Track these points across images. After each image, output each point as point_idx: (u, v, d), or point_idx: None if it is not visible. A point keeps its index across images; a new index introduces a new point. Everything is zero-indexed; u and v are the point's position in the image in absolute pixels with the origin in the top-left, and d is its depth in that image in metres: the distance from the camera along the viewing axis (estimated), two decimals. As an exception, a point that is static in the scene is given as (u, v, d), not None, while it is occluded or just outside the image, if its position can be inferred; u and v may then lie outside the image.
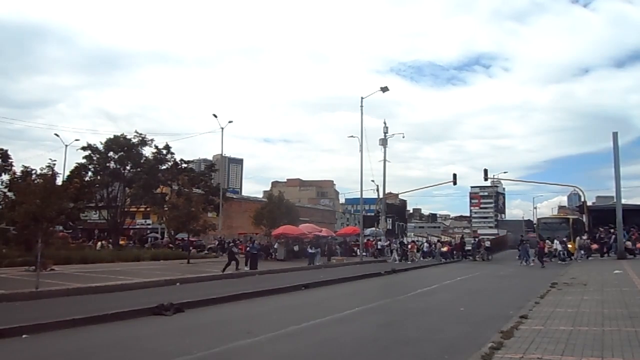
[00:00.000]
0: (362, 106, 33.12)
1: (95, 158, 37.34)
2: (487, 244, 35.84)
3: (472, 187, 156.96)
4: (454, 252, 35.90)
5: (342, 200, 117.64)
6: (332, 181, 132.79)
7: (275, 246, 31.53)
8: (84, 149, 37.47)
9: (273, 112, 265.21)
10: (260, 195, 75.92)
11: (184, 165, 40.82)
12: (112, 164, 37.96)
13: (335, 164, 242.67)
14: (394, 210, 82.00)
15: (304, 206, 71.07)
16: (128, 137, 38.25)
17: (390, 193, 56.81)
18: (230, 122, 41.78)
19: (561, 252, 28.00)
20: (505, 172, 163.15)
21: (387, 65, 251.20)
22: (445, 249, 36.16)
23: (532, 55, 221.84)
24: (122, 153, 37.70)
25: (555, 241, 28.50)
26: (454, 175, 45.48)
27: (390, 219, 72.21)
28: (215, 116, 40.25)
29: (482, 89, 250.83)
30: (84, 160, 36.60)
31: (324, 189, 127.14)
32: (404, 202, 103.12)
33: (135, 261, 24.67)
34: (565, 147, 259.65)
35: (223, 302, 12.04)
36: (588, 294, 12.07)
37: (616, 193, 29.89)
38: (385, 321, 9.75)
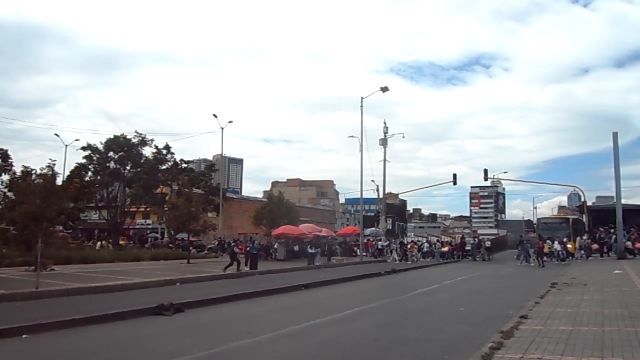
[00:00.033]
0: (362, 106, 33.17)
1: (95, 158, 37.37)
2: (488, 244, 35.86)
3: (472, 187, 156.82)
4: (455, 252, 35.94)
5: (342, 200, 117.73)
6: (332, 181, 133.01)
7: (275, 246, 31.54)
8: (84, 149, 37.55)
9: (273, 112, 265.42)
10: (260, 195, 76.01)
11: (184, 165, 40.85)
12: (112, 164, 37.99)
13: (335, 164, 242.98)
14: (394, 210, 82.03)
15: (304, 206, 71.09)
16: (128, 137, 38.34)
17: (390, 193, 56.84)
18: (230, 122, 41.88)
19: (560, 252, 28.02)
20: (505, 172, 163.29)
21: (387, 65, 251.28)
22: (446, 248, 36.23)
23: (532, 55, 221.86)
24: (122, 153, 37.73)
25: (555, 241, 28.52)
26: (454, 175, 45.54)
27: (390, 219, 72.24)
28: (215, 116, 40.34)
29: (482, 89, 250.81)
30: (84, 160, 36.67)
31: (324, 189, 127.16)
32: (404, 202, 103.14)
33: (135, 261, 24.68)
34: (565, 147, 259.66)
35: (223, 302, 12.05)
36: (588, 294, 12.07)
37: (616, 193, 29.91)
38: (385, 321, 9.75)
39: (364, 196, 35.60)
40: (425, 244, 38.66)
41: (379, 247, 36.40)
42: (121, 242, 38.31)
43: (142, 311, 10.03)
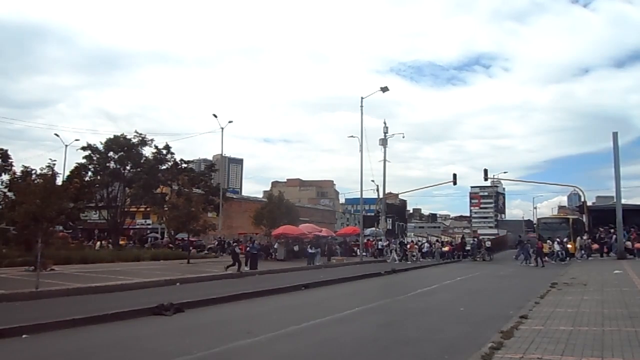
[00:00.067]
0: (362, 106, 33.15)
1: (95, 158, 37.37)
2: (488, 244, 35.86)
3: (472, 187, 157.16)
4: (455, 252, 35.94)
5: (342, 200, 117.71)
6: (332, 181, 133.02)
7: (275, 246, 31.53)
8: (84, 149, 37.54)
9: (273, 112, 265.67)
10: (260, 195, 76.01)
11: (184, 165, 40.83)
12: (112, 164, 37.98)
13: (335, 164, 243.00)
14: (394, 210, 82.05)
15: (304, 206, 71.07)
16: (128, 137, 38.32)
17: (390, 193, 56.82)
18: (230, 122, 41.84)
19: (559, 252, 28.00)
20: (505, 172, 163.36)
21: (387, 65, 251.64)
22: (446, 248, 36.25)
23: (532, 55, 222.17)
24: (122, 153, 37.71)
25: (555, 241, 28.50)
26: (454, 175, 45.53)
27: (390, 219, 72.25)
28: (215, 116, 40.32)
29: (482, 89, 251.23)
30: (84, 160, 36.63)
31: (324, 189, 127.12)
32: (404, 202, 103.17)
33: (135, 261, 24.67)
34: (565, 147, 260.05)
35: (223, 302, 12.04)
36: (588, 294, 12.07)
37: (616, 193, 29.91)
38: (385, 321, 9.75)
39: (364, 196, 35.61)
40: (426, 244, 38.66)
41: (379, 247, 36.42)
42: (121, 242, 38.31)
43: (142, 311, 10.03)
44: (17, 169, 23.17)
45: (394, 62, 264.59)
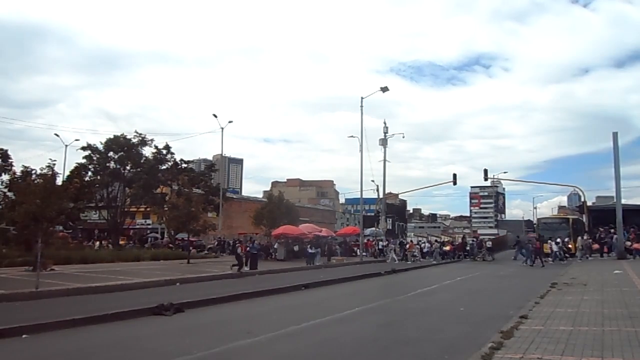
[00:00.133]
0: (362, 106, 33.14)
1: (95, 158, 37.38)
2: (489, 244, 35.86)
3: (472, 187, 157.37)
4: (456, 251, 35.95)
5: (342, 200, 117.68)
6: (332, 181, 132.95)
7: (275, 246, 31.53)
8: (84, 149, 37.56)
9: (273, 112, 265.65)
10: (260, 195, 75.99)
11: (184, 165, 40.85)
12: (112, 164, 37.99)
13: (335, 164, 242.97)
14: (394, 210, 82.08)
15: (304, 206, 71.04)
16: (128, 137, 38.34)
17: (390, 193, 56.82)
18: (230, 122, 41.88)
19: (558, 252, 27.99)
20: (505, 172, 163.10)
21: (387, 65, 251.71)
22: (447, 248, 36.25)
23: (532, 55, 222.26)
24: (122, 153, 37.72)
25: (553, 242, 28.49)
26: (454, 175, 45.49)
27: (390, 219, 72.32)
28: (215, 116, 40.34)
29: (482, 89, 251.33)
30: (84, 160, 36.66)
31: (324, 189, 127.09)
32: (404, 202, 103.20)
33: (135, 261, 24.65)
34: (565, 147, 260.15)
35: (223, 302, 12.04)
36: (588, 294, 12.07)
37: (616, 193, 29.90)
38: (385, 321, 9.75)
39: (364, 196, 35.61)
40: (426, 244, 38.66)
41: (380, 247, 36.42)
42: (121, 242, 38.32)
43: (142, 311, 10.03)
44: (17, 169, 23.25)
45: (394, 62, 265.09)
